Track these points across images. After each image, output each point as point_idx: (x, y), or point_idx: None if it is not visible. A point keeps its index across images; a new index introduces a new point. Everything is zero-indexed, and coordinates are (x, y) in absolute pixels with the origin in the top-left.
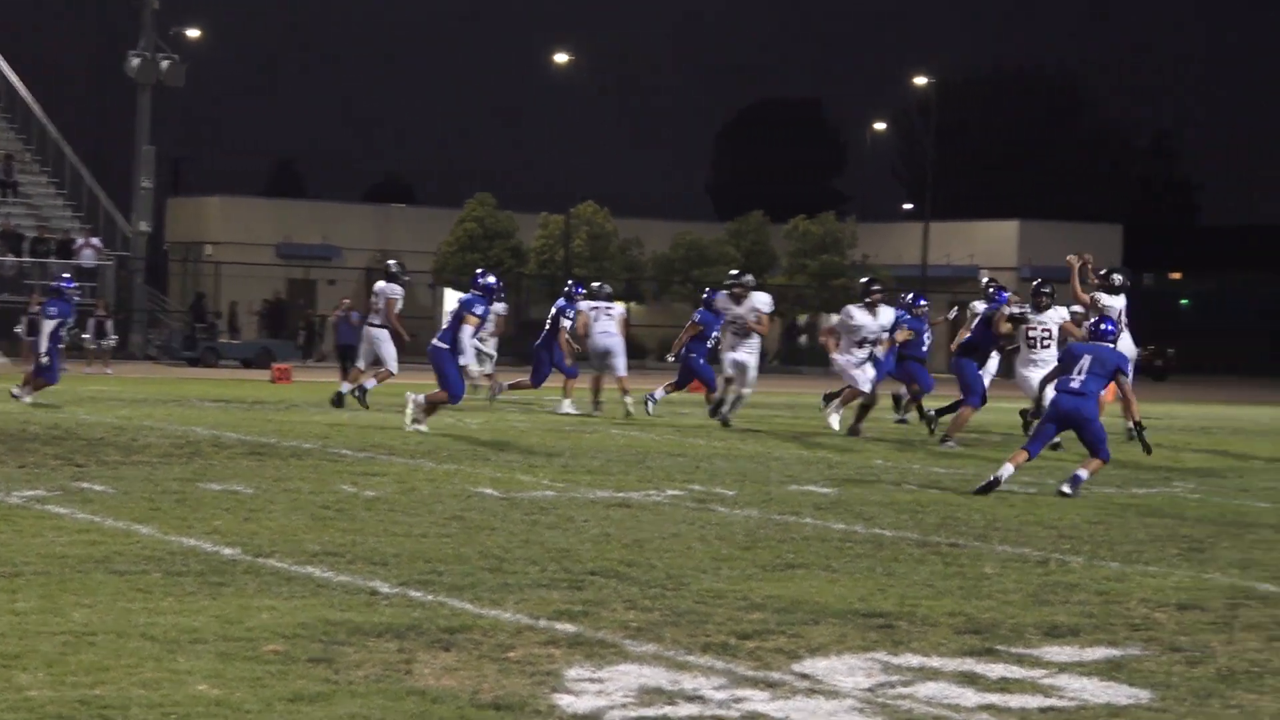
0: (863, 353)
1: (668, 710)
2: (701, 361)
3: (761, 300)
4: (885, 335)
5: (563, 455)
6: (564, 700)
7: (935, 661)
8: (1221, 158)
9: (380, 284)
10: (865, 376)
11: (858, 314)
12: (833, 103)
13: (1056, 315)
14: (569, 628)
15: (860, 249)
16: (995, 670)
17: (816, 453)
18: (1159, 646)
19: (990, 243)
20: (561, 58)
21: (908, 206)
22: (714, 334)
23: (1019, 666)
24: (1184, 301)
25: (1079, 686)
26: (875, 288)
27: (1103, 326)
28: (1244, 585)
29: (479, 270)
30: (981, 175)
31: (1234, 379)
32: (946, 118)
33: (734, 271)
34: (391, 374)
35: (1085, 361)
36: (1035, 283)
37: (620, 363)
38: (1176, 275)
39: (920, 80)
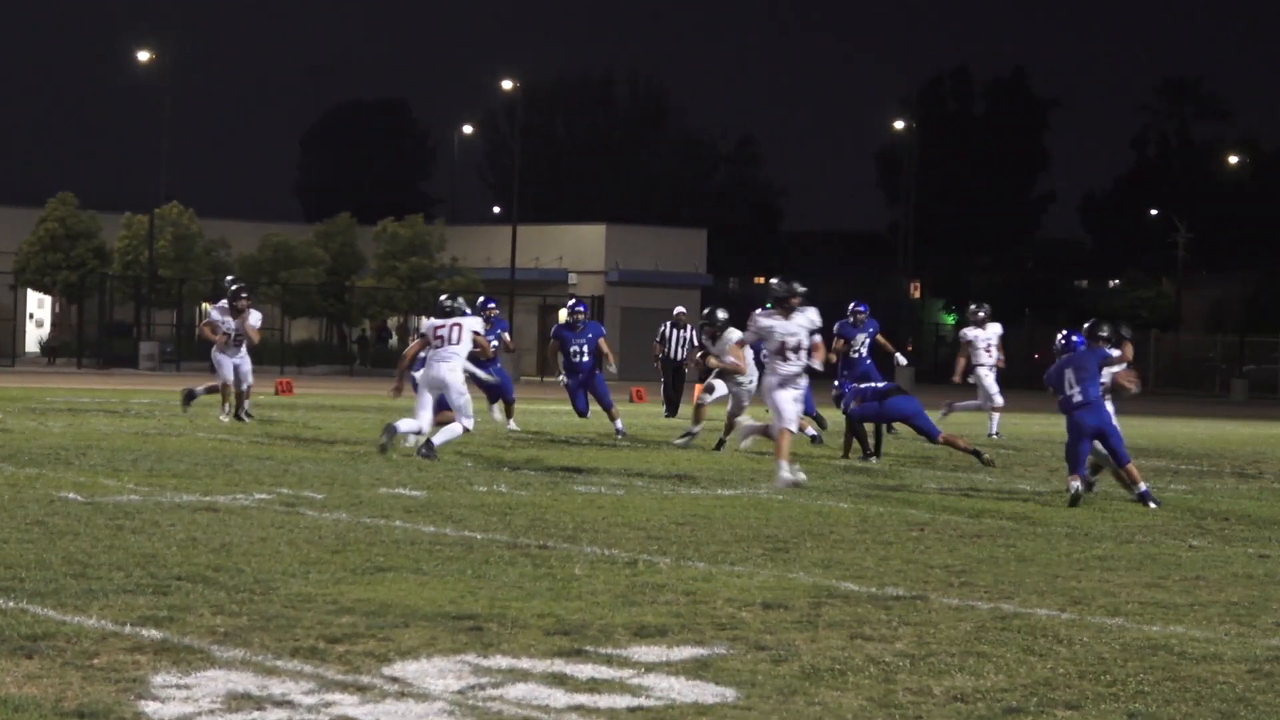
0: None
1: (256, 715)
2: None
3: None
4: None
5: (148, 459)
6: (150, 707)
7: (525, 663)
8: (803, 164)
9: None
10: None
11: (764, 320)
12: (420, 105)
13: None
14: (155, 634)
15: (450, 252)
16: (584, 671)
17: (406, 456)
18: (744, 645)
19: (579, 246)
20: (144, 55)
21: (496, 210)
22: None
23: (608, 667)
24: (768, 306)
25: (667, 686)
26: (798, 288)
27: (1073, 339)
28: (826, 584)
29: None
30: (570, 180)
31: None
32: (533, 121)
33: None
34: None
35: (1069, 374)
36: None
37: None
38: (761, 279)
39: (507, 84)
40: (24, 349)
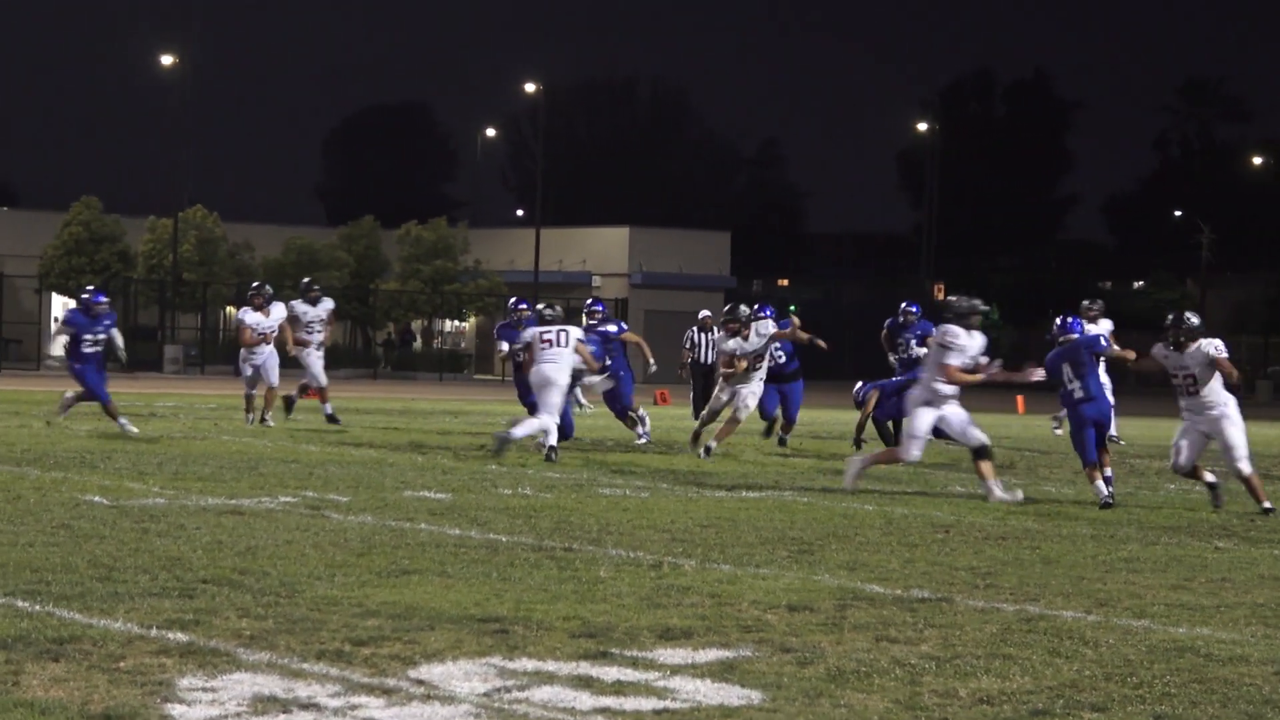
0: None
1: (282, 718)
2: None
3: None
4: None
5: (173, 462)
6: (176, 710)
7: (550, 665)
8: (825, 166)
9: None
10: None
11: (964, 337)
12: (442, 108)
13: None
14: (181, 637)
15: (473, 255)
16: (610, 673)
17: (431, 459)
18: (770, 648)
19: (602, 249)
20: (167, 59)
21: (520, 213)
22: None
23: (633, 669)
24: (793, 308)
25: (693, 688)
26: (980, 305)
27: (1069, 323)
28: (852, 586)
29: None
30: (592, 182)
31: (840, 384)
32: (555, 124)
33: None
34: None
35: (1066, 369)
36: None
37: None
38: (784, 282)
39: (529, 87)
40: (49, 353)
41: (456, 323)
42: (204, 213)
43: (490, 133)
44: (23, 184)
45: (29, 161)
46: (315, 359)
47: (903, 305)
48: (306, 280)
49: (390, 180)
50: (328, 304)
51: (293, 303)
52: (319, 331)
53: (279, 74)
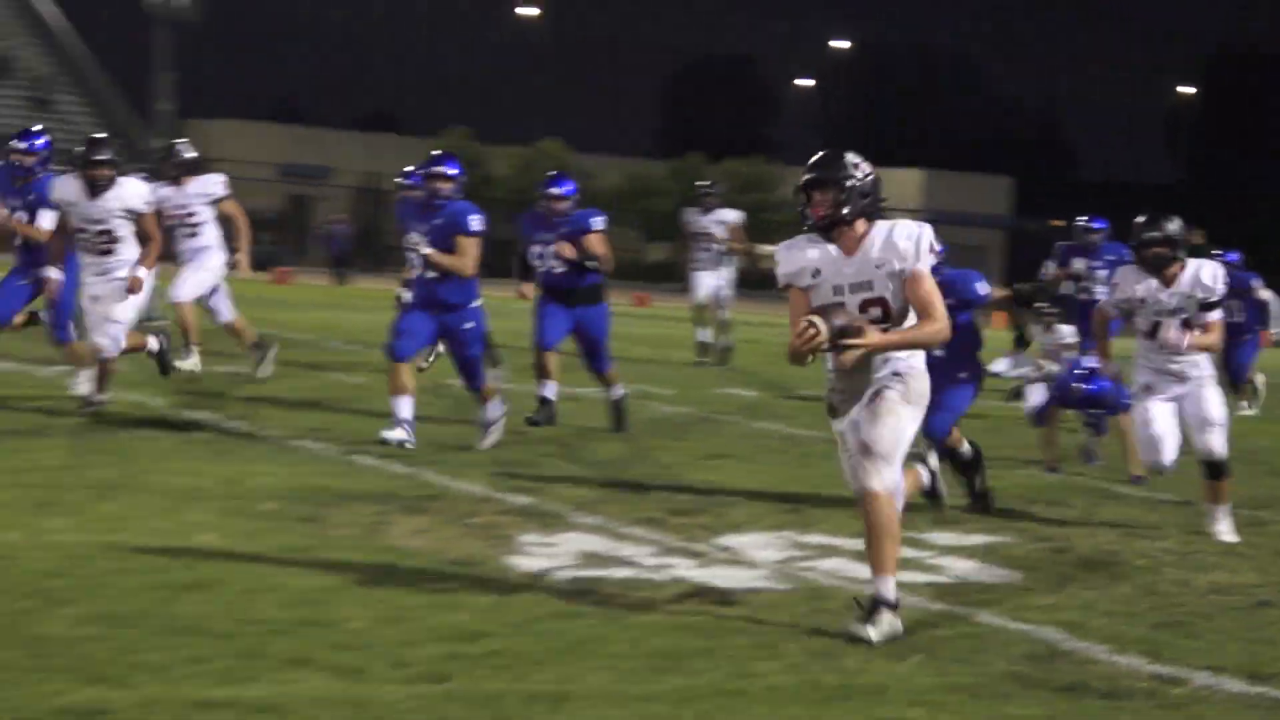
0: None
1: (605, 573)
2: None
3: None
4: None
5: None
6: (516, 560)
7: (837, 541)
8: (1099, 121)
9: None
10: None
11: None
12: (764, 60)
13: None
14: (523, 499)
15: (786, 190)
16: None
17: (741, 361)
18: (1029, 536)
19: (896, 188)
20: (531, 11)
21: None
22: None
23: (909, 548)
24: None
25: (960, 567)
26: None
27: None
28: (1102, 486)
29: None
30: (888, 129)
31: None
32: (862, 77)
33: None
34: None
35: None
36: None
37: None
38: (1058, 222)
39: (844, 44)
40: None
41: (767, 248)
42: (561, 145)
43: (808, 83)
44: (403, 112)
45: (409, 92)
46: (703, 279)
47: (1084, 220)
48: (705, 184)
49: (719, 122)
50: (727, 214)
51: (685, 208)
52: (709, 248)
53: (630, 25)
